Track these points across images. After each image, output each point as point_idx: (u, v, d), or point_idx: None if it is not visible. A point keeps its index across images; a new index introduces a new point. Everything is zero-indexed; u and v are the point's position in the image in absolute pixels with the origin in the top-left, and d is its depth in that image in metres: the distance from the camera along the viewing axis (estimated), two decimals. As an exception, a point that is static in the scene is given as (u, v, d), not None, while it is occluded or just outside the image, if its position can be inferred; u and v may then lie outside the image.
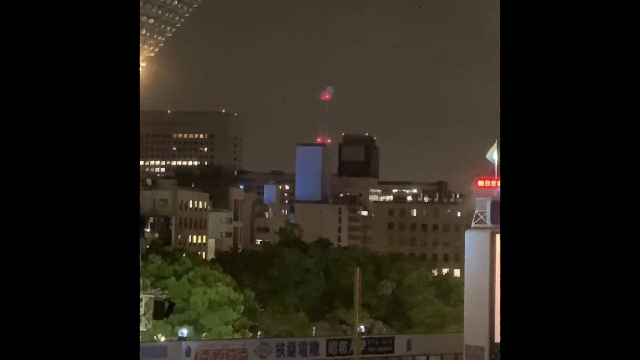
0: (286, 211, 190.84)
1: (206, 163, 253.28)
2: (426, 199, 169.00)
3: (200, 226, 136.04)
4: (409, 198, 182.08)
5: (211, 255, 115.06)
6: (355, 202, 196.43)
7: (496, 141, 58.81)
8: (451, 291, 79.18)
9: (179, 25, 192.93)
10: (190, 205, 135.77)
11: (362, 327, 59.38)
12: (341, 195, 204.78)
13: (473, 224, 55.37)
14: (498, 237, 53.74)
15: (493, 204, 54.44)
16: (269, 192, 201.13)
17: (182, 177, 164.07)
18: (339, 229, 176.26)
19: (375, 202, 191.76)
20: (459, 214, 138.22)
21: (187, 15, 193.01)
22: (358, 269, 46.16)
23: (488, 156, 56.85)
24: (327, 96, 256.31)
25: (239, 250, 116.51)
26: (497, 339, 53.31)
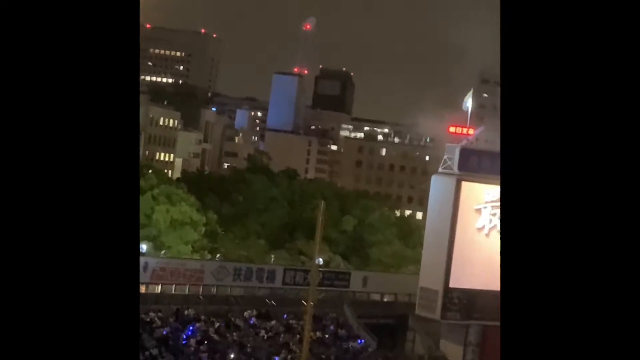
0: (256, 138, 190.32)
1: (181, 82, 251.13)
2: (397, 140, 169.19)
3: (169, 144, 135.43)
4: (380, 137, 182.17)
5: (177, 174, 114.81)
6: (326, 135, 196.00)
7: (472, 89, 58.84)
8: (412, 233, 79.87)
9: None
10: (161, 123, 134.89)
11: (321, 259, 59.82)
12: (313, 127, 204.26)
13: (440, 169, 55.65)
14: (464, 184, 54.19)
15: (462, 151, 54.71)
16: (241, 117, 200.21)
17: (155, 93, 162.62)
18: (307, 161, 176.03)
19: (346, 137, 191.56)
20: (427, 158, 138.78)
21: None
22: (322, 201, 46.24)
23: (463, 106, 56.86)
24: (308, 26, 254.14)
25: (206, 172, 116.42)
26: (452, 283, 54.14)
